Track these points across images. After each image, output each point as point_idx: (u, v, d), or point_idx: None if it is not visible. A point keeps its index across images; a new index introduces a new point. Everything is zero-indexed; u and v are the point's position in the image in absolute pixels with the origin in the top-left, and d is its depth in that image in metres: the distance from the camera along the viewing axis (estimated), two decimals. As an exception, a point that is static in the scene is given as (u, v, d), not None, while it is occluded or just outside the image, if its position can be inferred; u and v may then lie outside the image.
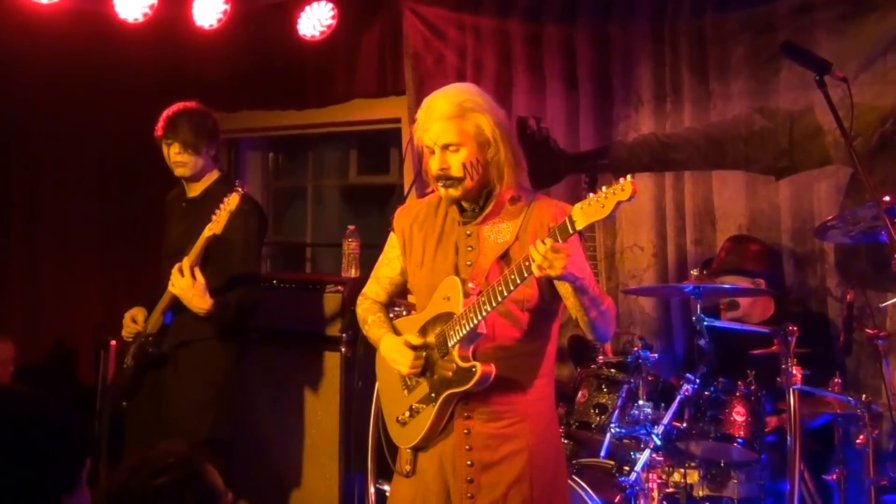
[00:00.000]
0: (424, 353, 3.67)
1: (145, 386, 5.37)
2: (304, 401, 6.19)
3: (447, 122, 3.58)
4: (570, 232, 3.27)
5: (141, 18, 6.54)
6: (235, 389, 5.47)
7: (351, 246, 6.41)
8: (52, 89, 7.16)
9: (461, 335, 3.53)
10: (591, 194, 3.26)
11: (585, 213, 3.24)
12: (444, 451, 3.67)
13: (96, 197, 7.72)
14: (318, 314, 6.20)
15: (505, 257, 3.58)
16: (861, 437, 4.53)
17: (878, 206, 3.82)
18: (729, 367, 5.04)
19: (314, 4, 6.58)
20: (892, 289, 4.51)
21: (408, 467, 3.75)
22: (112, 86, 7.36)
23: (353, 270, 6.37)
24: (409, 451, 3.76)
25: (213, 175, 5.44)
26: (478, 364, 3.53)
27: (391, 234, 3.95)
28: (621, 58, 6.04)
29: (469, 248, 3.66)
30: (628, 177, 3.21)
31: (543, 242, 3.29)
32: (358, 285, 5.19)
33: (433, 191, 3.80)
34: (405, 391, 3.78)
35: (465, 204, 3.71)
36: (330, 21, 6.59)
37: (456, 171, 3.60)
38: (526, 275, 3.37)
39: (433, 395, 3.65)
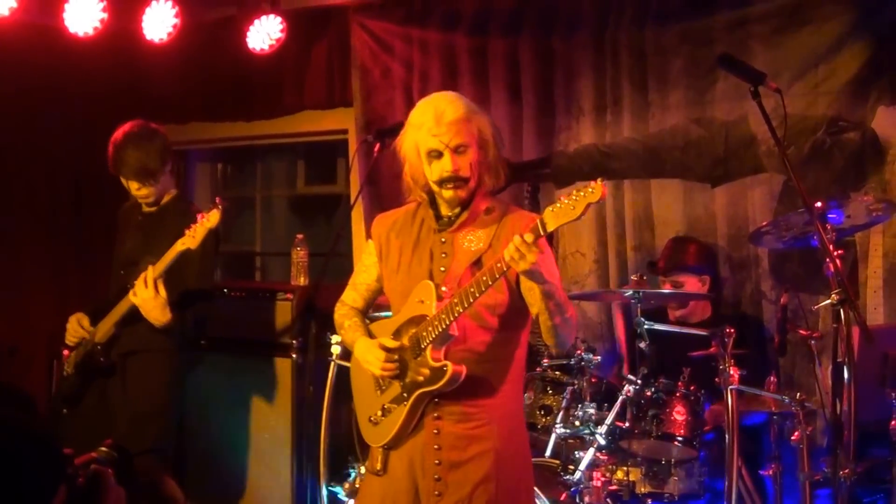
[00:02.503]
0: (397, 356, 3.69)
1: (90, 394, 5.31)
2: (257, 407, 6.18)
3: (459, 125, 3.60)
4: (542, 233, 3.30)
5: (91, 32, 6.46)
6: (180, 400, 5.44)
7: (300, 254, 6.41)
8: (2, 102, 7.07)
9: (434, 336, 3.56)
10: (563, 197, 3.28)
11: (556, 214, 3.28)
12: (413, 449, 3.68)
13: (47, 209, 7.65)
14: (269, 322, 6.20)
15: (478, 263, 3.60)
16: (796, 433, 4.58)
17: (810, 212, 3.86)
18: (669, 368, 5.08)
19: (263, 18, 6.55)
20: (825, 291, 4.57)
21: (378, 466, 3.76)
22: (63, 99, 7.31)
23: (302, 278, 6.37)
24: (380, 450, 3.77)
25: (171, 190, 5.42)
26: (449, 364, 3.55)
27: (369, 241, 3.96)
28: (563, 70, 6.08)
29: (443, 255, 3.68)
30: (599, 180, 3.24)
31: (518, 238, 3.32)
32: (307, 293, 5.23)
33: (412, 200, 3.81)
34: (378, 392, 3.79)
35: (444, 211, 3.73)
36: (279, 34, 6.57)
37: (465, 172, 3.62)
38: (497, 276, 3.40)
39: (405, 394, 3.67)
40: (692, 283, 5.50)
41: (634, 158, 5.86)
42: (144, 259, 5.08)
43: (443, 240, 3.71)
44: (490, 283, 3.42)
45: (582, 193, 3.25)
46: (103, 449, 2.47)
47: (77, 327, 5.33)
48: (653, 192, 5.83)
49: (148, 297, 4.96)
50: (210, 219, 4.83)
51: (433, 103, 3.68)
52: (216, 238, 5.19)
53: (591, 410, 4.97)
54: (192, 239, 4.85)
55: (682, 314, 5.56)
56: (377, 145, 5.11)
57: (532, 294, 3.55)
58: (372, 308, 4.10)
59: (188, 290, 5.16)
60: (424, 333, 3.59)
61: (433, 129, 3.61)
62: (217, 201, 4.94)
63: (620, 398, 4.89)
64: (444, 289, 3.59)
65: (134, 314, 5.06)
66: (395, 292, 3.82)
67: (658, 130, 5.78)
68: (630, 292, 5.07)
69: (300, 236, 6.46)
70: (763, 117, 3.90)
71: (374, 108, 6.70)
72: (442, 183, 3.64)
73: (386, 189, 6.58)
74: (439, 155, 3.62)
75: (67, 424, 5.36)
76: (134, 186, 5.25)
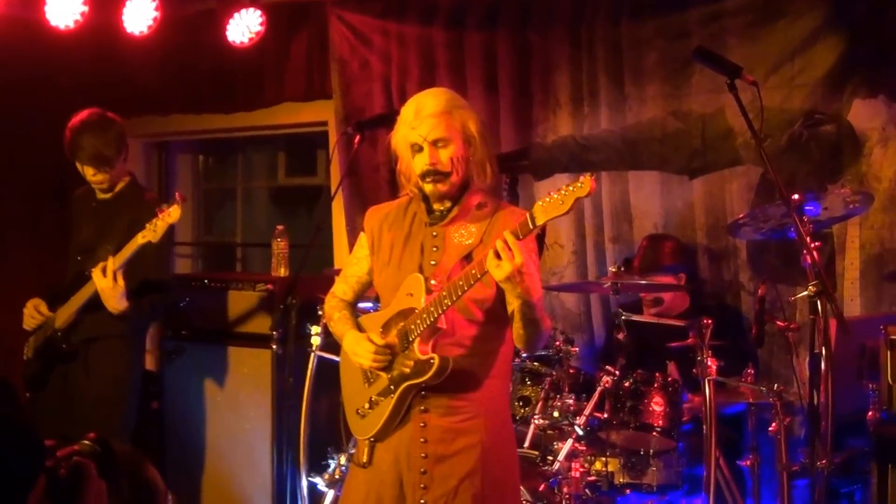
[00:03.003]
0: (386, 348, 3.65)
1: (54, 380, 5.36)
2: (237, 398, 6.13)
3: (438, 118, 3.57)
4: (531, 227, 3.28)
5: (72, 25, 6.41)
6: (140, 385, 5.50)
7: (280, 245, 6.36)
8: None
9: (422, 329, 3.53)
10: (552, 192, 3.25)
11: (545, 209, 3.26)
12: (399, 442, 3.65)
13: (29, 200, 7.64)
14: (249, 313, 6.16)
15: (468, 258, 3.57)
16: (773, 424, 4.57)
17: (787, 204, 3.85)
18: (647, 359, 5.08)
19: (243, 11, 6.49)
20: (802, 283, 4.51)
21: (364, 459, 3.72)
22: (45, 91, 7.27)
23: (283, 269, 6.33)
24: (366, 442, 3.73)
25: (125, 177, 5.43)
26: (436, 356, 3.51)
27: (361, 233, 3.93)
28: (540, 63, 6.05)
29: (434, 249, 3.65)
30: (588, 175, 3.22)
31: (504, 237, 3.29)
32: (287, 284, 5.22)
33: (406, 194, 3.78)
34: (366, 384, 3.76)
35: (435, 206, 3.70)
36: (258, 28, 6.51)
37: (445, 166, 3.59)
38: (486, 270, 3.36)
39: (392, 387, 3.63)
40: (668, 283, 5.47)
41: (612, 150, 5.83)
42: (102, 246, 5.14)
43: (434, 234, 3.68)
44: (479, 276, 3.40)
45: (571, 188, 3.23)
46: (86, 442, 2.46)
47: (34, 312, 5.35)
48: (631, 183, 5.82)
49: (107, 286, 5.00)
50: (171, 214, 4.86)
51: (418, 98, 3.67)
52: (171, 230, 5.20)
53: (570, 401, 4.94)
54: (152, 233, 4.88)
55: (657, 311, 5.52)
56: (357, 137, 5.11)
57: (511, 298, 3.51)
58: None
59: (145, 280, 5.21)
60: (413, 326, 3.56)
61: (412, 122, 3.60)
62: (177, 196, 4.94)
63: (599, 389, 4.85)
64: (433, 282, 3.56)
65: (96, 301, 5.10)
66: (386, 285, 3.78)
67: (635, 122, 5.76)
68: (608, 284, 5.04)
69: (280, 227, 6.40)
70: (740, 110, 3.89)
71: (354, 101, 6.66)
72: (423, 177, 3.63)
73: (366, 181, 6.58)
74: (420, 149, 3.61)
75: (35, 409, 5.38)
76: (90, 172, 5.29)
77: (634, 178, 5.81)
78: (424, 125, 3.58)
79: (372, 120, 5.41)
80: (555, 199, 3.25)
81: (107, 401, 5.22)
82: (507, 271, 3.29)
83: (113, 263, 4.98)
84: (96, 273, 5.01)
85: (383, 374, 3.68)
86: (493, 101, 6.17)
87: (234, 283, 6.31)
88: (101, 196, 5.42)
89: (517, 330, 3.55)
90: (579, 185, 3.23)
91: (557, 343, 5.09)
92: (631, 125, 5.78)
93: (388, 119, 4.43)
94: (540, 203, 3.29)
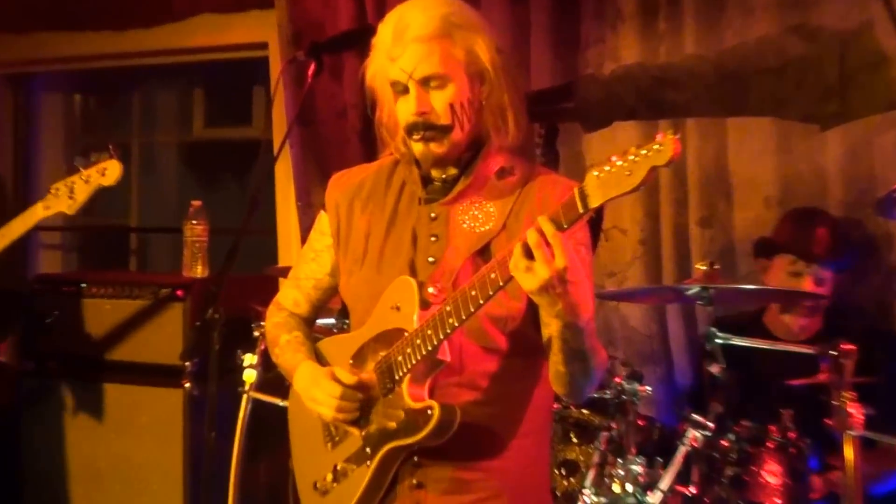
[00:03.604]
0: (360, 391, 3.61)
1: None
2: (130, 462, 6.20)
3: (429, 44, 3.51)
4: (580, 211, 3.11)
5: None
6: None
7: (196, 231, 6.40)
8: None
9: (414, 362, 3.46)
10: (614, 157, 3.08)
11: (603, 183, 3.07)
12: (381, 536, 3.64)
13: None
14: (150, 334, 6.21)
15: (484, 253, 3.51)
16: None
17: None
18: (755, 405, 5.08)
19: None
20: None
21: (328, 557, 3.72)
22: None
23: (200, 267, 6.38)
24: (331, 533, 3.72)
25: None
26: (435, 405, 3.43)
27: (321, 213, 3.91)
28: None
29: (433, 238, 3.60)
30: (669, 133, 3.04)
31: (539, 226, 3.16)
32: (207, 290, 5.16)
33: (391, 153, 3.75)
34: (328, 445, 3.75)
35: (433, 173, 3.64)
36: None
37: (442, 117, 3.52)
38: (512, 273, 3.25)
39: (368, 450, 3.60)
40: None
41: (703, 87, 5.83)
42: None
43: (433, 215, 3.62)
44: (501, 283, 3.28)
45: (644, 151, 3.04)
46: None
47: None
48: (730, 137, 5.83)
49: None
50: (109, 173, 4.92)
51: (400, 11, 3.61)
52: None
53: (638, 468, 4.93)
54: (68, 201, 4.92)
55: (804, 325, 5.50)
56: (312, 66, 4.99)
57: (546, 312, 3.41)
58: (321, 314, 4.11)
59: None
60: (401, 358, 3.50)
61: (391, 49, 3.55)
62: (111, 149, 5.00)
63: (683, 450, 4.83)
64: (431, 290, 3.48)
65: None
66: (359, 294, 3.75)
67: (738, 44, 5.78)
68: (696, 289, 5.02)
69: (197, 204, 6.43)
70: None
71: (308, 11, 6.72)
72: (409, 131, 3.58)
73: (327, 133, 6.60)
74: (405, 89, 3.56)
75: None
76: None
77: (736, 129, 5.82)
78: (409, 54, 3.52)
79: (335, 40, 5.32)
80: (618, 167, 3.07)
81: None
82: (542, 278, 3.16)
83: None
84: None
85: (355, 431, 3.64)
86: (521, 12, 6.18)
87: (126, 288, 6.32)
88: None
89: (556, 366, 3.48)
90: (656, 147, 3.04)
91: (618, 380, 5.10)
92: (731, 49, 5.78)
93: (358, 38, 4.43)
94: (595, 173, 3.11)
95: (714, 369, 4.92)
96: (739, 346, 5.06)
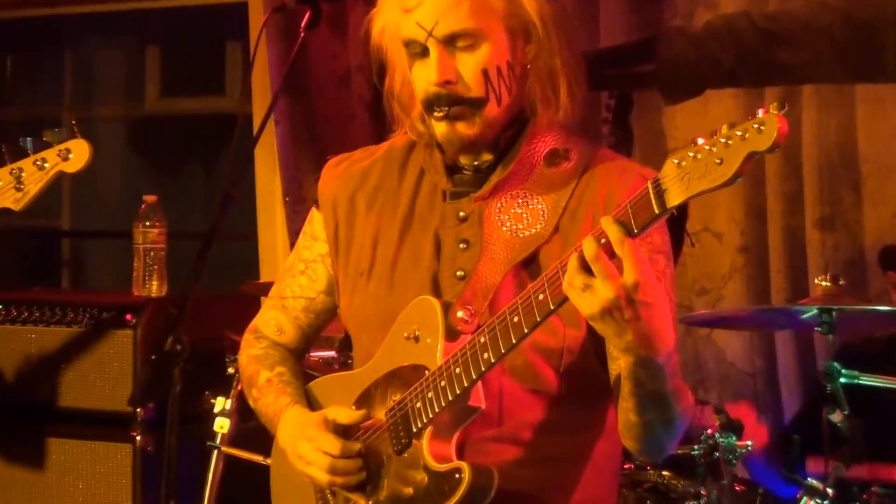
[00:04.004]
0: (364, 447, 3.61)
1: None
2: None
3: None
4: (656, 211, 3.06)
5: None
6: None
7: (149, 236, 6.42)
8: None
9: (437, 410, 3.44)
10: (700, 140, 3.03)
11: (687, 173, 3.02)
12: None
13: None
14: (88, 371, 6.23)
15: (530, 265, 3.50)
16: None
17: None
18: (890, 463, 5.12)
19: None
20: None
21: None
22: None
23: (156, 283, 6.41)
24: None
25: None
26: (465, 466, 3.42)
27: (313, 210, 3.92)
28: None
29: (462, 246, 3.61)
30: (774, 105, 2.97)
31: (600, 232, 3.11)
32: (165, 313, 5.14)
33: (403, 134, 3.76)
34: None
35: (463, 159, 3.63)
36: None
37: (472, 87, 3.51)
38: (566, 294, 3.21)
39: None
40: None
41: (825, 44, 5.82)
42: None
43: (462, 214, 3.62)
44: (552, 307, 3.25)
45: (739, 133, 2.98)
46: None
47: None
48: (860, 110, 5.81)
49: None
50: (75, 156, 4.79)
51: None
52: None
53: None
54: (14, 194, 4.85)
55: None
56: (306, 16, 4.98)
57: (612, 344, 3.39)
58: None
59: None
60: (420, 404, 3.49)
61: (406, 1, 3.52)
62: (73, 125, 4.90)
63: None
64: (461, 314, 3.48)
65: None
66: (364, 317, 3.76)
67: None
68: (813, 311, 5.00)
69: (151, 199, 6.42)
70: None
71: None
72: (427, 107, 3.56)
73: (326, 104, 6.65)
74: (423, 51, 3.53)
75: None
76: None
77: (868, 99, 5.81)
78: (428, 3, 3.49)
79: (333, -17, 5.36)
80: (706, 152, 3.02)
81: None
82: (605, 299, 3.11)
83: None
84: None
85: (359, 499, 3.62)
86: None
87: (58, 310, 6.37)
88: None
89: (627, 414, 3.45)
90: (755, 126, 2.97)
91: (710, 431, 5.10)
92: (861, -7, 5.75)
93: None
94: (675, 161, 3.07)
95: (836, 417, 4.91)
96: (869, 385, 5.05)
